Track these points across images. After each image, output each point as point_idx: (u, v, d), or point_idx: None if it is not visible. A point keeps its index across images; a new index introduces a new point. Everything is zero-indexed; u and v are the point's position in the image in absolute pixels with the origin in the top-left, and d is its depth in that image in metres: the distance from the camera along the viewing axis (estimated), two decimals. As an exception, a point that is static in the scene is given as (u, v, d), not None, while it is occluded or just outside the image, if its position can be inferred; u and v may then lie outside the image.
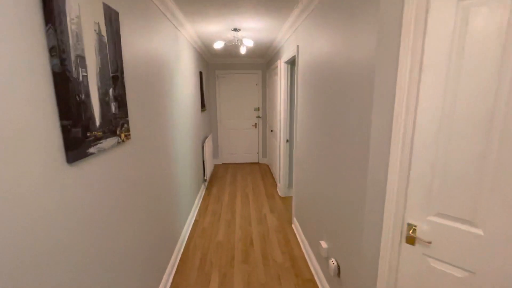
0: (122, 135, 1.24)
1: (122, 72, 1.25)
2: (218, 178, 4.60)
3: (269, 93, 5.01)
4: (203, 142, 3.99)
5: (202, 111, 4.07)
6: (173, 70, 2.37)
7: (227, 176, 4.69)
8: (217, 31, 3.02)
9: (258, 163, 5.57)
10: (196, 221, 2.99)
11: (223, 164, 5.54)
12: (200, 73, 3.96)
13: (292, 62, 3.39)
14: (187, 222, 2.73)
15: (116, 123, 1.18)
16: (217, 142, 5.44)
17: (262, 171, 5.01)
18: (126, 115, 1.29)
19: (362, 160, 1.25)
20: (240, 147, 5.53)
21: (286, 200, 3.61)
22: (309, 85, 2.26)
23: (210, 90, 5.21)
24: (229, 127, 5.43)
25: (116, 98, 1.19)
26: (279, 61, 3.61)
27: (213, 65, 5.14)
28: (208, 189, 4.05)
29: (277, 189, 3.98)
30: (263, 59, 5.12)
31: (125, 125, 1.27)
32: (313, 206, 2.14)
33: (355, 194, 1.33)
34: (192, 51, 3.35)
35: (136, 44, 1.48)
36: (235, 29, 2.93)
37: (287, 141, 3.57)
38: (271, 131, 4.62)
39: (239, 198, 3.67)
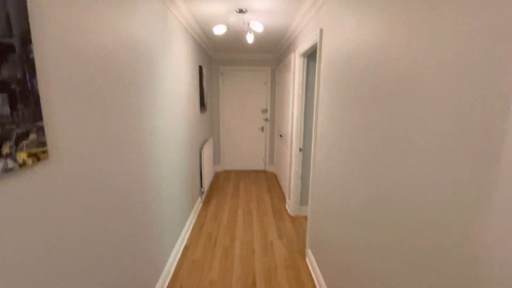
0: (22, 156, 0.68)
1: (26, 42, 0.69)
2: (218, 188, 4.04)
3: (278, 93, 4.44)
4: (201, 147, 3.44)
5: (201, 112, 3.52)
6: (158, 59, 1.82)
7: (229, 186, 4.12)
8: (219, 12, 2.45)
9: (264, 171, 5.00)
10: (186, 247, 2.43)
11: (224, 171, 4.98)
12: (200, 67, 3.41)
13: (310, 55, 2.81)
14: (175, 249, 2.17)
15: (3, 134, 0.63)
16: (219, 147, 4.89)
17: (269, 180, 4.43)
18: (36, 118, 0.73)
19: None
20: (244, 152, 4.96)
21: (297, 221, 3.02)
22: (338, 84, 1.68)
23: (212, 88, 4.66)
24: (233, 130, 4.87)
25: (3, 88, 0.63)
26: (292, 54, 3.03)
27: (217, 61, 4.59)
28: (206, 203, 3.49)
29: (286, 206, 3.39)
30: (273, 55, 4.54)
31: (31, 137, 0.71)
32: (342, 245, 1.55)
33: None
34: (189, 39, 2.80)
35: (82, 10, 0.93)
36: (240, 10, 2.36)
37: (300, 150, 2.98)
38: (280, 136, 4.04)
39: (241, 216, 3.10)
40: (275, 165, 4.81)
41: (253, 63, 4.62)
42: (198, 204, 3.28)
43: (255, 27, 2.38)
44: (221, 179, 4.49)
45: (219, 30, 2.44)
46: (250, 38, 2.63)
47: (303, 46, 2.54)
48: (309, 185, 2.32)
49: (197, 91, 3.31)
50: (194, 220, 2.94)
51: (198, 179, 3.36)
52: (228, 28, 2.84)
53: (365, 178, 1.24)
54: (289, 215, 3.15)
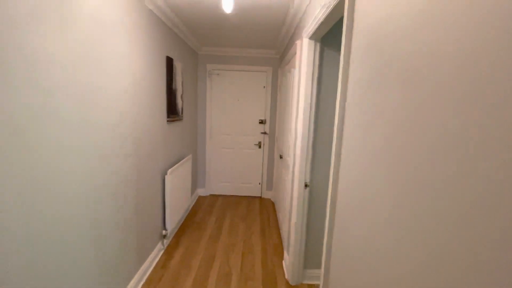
0: None
1: None
2: (194, 224, 3.00)
3: (281, 100, 3.43)
4: (166, 171, 2.42)
5: (170, 121, 2.53)
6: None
7: (210, 220, 3.08)
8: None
9: (260, 198, 3.94)
10: None
11: (211, 196, 3.94)
12: (169, 60, 2.44)
13: (325, 37, 1.81)
14: None
15: None
16: (204, 165, 3.88)
17: (264, 213, 3.36)
18: None
19: None
20: (236, 174, 3.93)
21: (299, 295, 1.94)
22: (397, 81, 0.62)
23: (198, 91, 3.70)
24: (223, 146, 3.86)
25: None
26: (298, 41, 2.03)
27: (204, 57, 3.64)
28: (169, 251, 2.45)
29: (283, 264, 2.31)
30: (275, 51, 3.56)
31: None
32: None
33: None
34: (143, 13, 1.84)
35: None
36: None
37: (306, 186, 1.94)
38: (280, 157, 3.00)
39: (213, 280, 2.04)
40: (274, 191, 3.75)
41: (251, 61, 3.65)
42: (157, 253, 2.25)
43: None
44: (203, 208, 3.46)
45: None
46: (227, 4, 1.64)
47: (313, 21, 1.54)
48: (323, 243, 1.28)
49: (163, 92, 2.34)
50: (140, 286, 1.91)
51: (160, 216, 2.34)
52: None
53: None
54: (287, 283, 2.07)
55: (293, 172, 2.11)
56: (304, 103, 1.85)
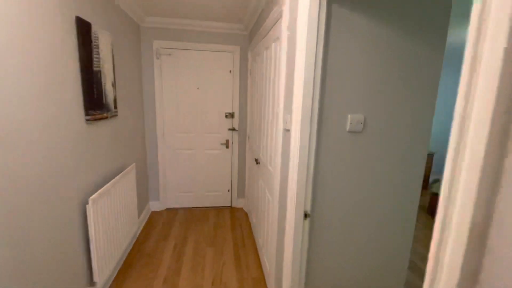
0: None
1: None
2: (144, 254, 2.21)
3: (254, 89, 2.74)
4: (87, 199, 1.58)
5: (93, 119, 1.67)
6: None
7: (167, 248, 2.32)
8: None
9: (230, 208, 3.26)
10: None
11: (168, 211, 3.14)
12: (83, 25, 1.56)
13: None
14: None
15: None
16: (157, 173, 3.04)
17: (238, 228, 2.70)
18: None
19: None
20: (199, 180, 3.17)
21: None
22: None
23: (142, 77, 2.80)
24: (180, 147, 3.05)
25: None
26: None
27: (150, 31, 2.73)
28: (103, 312, 1.66)
29: (271, 312, 1.69)
30: (244, 25, 2.82)
31: None
32: None
33: None
34: None
35: None
36: None
37: (306, 216, 1.31)
38: (257, 163, 2.33)
39: None
40: (247, 199, 3.10)
41: (212, 38, 2.85)
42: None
43: None
44: (157, 230, 2.66)
45: None
46: None
47: None
48: None
49: (74, 75, 1.47)
50: None
51: (82, 265, 1.52)
52: None
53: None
54: None
55: (282, 194, 1.46)
56: (301, 94, 1.18)
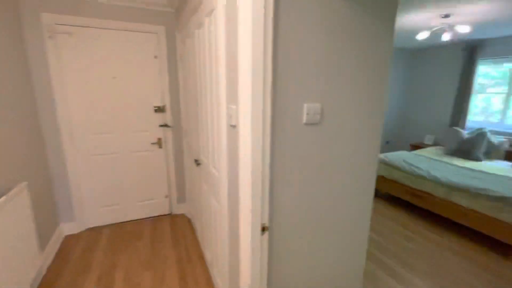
0: None
1: None
2: (55, 303, 1.67)
3: (187, 77, 2.36)
4: None
5: None
6: None
7: (86, 282, 1.81)
8: None
9: (170, 216, 2.84)
10: None
11: (88, 231, 2.53)
12: None
13: None
14: None
15: None
16: (67, 187, 2.38)
17: (181, 240, 2.34)
18: None
19: None
20: (128, 189, 2.64)
21: None
22: None
23: (31, 62, 2.08)
24: (97, 151, 2.45)
25: None
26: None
27: (35, 2, 2.02)
28: None
29: None
30: (168, 0, 2.35)
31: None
32: None
33: None
34: None
35: None
36: None
37: (264, 229, 1.08)
38: (197, 164, 1.99)
39: None
40: (188, 203, 2.74)
41: (127, 14, 2.30)
42: None
43: None
44: (73, 260, 2.08)
45: None
46: None
47: None
48: None
49: None
50: None
51: None
52: None
53: None
54: None
55: (232, 202, 1.20)
56: (250, 81, 0.92)
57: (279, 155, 1.07)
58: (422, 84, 4.80)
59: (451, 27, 2.99)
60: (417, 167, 3.04)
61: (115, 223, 2.66)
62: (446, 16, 2.67)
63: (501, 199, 2.25)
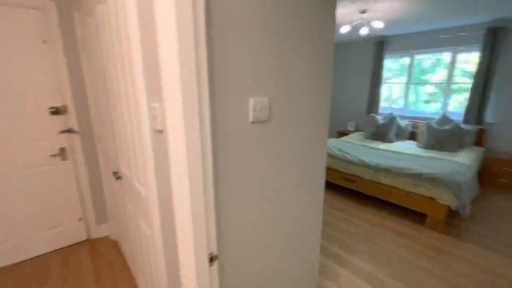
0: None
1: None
2: None
3: (92, 66, 1.87)
4: None
5: None
6: None
7: None
8: None
9: (88, 242, 2.29)
10: None
11: (-42, 286, 1.80)
12: None
13: None
14: None
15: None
16: None
17: (104, 269, 1.88)
18: None
19: None
20: (19, 218, 1.98)
21: None
22: None
23: None
24: (-39, 174, 1.73)
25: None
26: None
27: None
28: None
29: None
30: (56, -31, 1.79)
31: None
32: None
33: None
34: None
35: None
36: None
37: (212, 259, 0.85)
38: (117, 177, 1.58)
39: None
40: (113, 222, 2.25)
41: (-8, -19, 1.64)
42: None
43: None
44: None
45: None
46: None
47: None
48: None
49: None
50: None
51: None
52: None
53: None
54: None
55: (167, 226, 0.93)
56: (178, 71, 0.66)
57: (223, 166, 0.86)
58: (344, 76, 5.25)
59: (368, 23, 3.27)
60: (347, 153, 3.27)
61: (6, 266, 1.97)
62: (363, 11, 2.88)
63: (416, 176, 2.59)
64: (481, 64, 3.46)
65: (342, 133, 5.07)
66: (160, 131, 0.82)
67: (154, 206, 1.04)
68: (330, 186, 3.60)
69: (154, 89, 0.82)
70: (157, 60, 0.77)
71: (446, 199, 2.40)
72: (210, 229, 0.84)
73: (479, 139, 3.66)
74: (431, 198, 2.49)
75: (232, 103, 0.84)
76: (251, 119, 0.89)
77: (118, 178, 1.57)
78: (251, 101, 0.88)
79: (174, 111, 0.70)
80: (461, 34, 3.67)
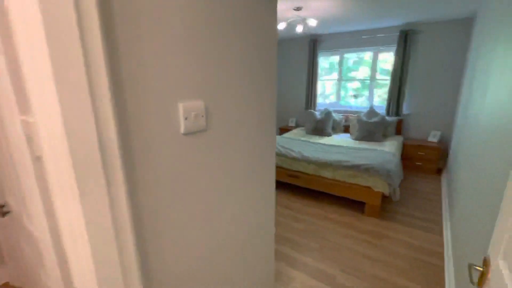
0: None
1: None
2: None
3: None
4: None
5: None
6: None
7: None
8: None
9: (-25, 297, 1.71)
10: None
11: None
12: None
13: None
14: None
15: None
16: None
17: None
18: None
19: None
20: None
21: None
22: None
23: None
24: None
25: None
26: None
27: None
28: None
29: None
30: None
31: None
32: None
33: None
34: None
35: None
36: None
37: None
38: (4, 214, 1.16)
39: None
40: (12, 264, 1.72)
41: None
42: None
43: None
44: None
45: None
46: None
47: None
48: None
49: None
50: None
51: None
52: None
53: None
54: None
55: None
56: (49, 61, 0.41)
57: (147, 200, 0.63)
58: (284, 72, 5.34)
59: (303, 20, 3.32)
60: (291, 150, 3.29)
61: None
62: (298, 8, 2.89)
63: (354, 167, 2.75)
64: (396, 63, 3.92)
65: (284, 129, 5.16)
66: (39, 157, 0.55)
67: (52, 260, 0.74)
68: (277, 184, 3.60)
69: (23, 97, 0.54)
70: (15, 58, 0.49)
71: (380, 186, 2.60)
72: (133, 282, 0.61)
73: (398, 129, 4.17)
74: (368, 187, 2.68)
75: (153, 111, 0.62)
76: (182, 130, 0.69)
77: (6, 213, 1.15)
78: (181, 107, 0.67)
79: (50, 128, 0.45)
80: (379, 35, 4.07)
